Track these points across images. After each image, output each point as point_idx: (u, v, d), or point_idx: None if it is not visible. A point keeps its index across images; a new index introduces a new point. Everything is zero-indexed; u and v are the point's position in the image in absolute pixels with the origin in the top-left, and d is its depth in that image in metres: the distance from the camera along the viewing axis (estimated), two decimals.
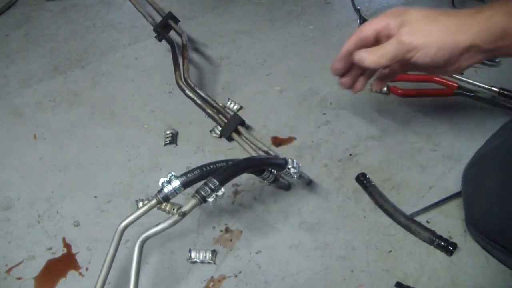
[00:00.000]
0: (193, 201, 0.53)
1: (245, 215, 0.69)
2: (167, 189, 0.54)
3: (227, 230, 0.68)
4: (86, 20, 1.13)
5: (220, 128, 0.80)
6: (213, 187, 0.53)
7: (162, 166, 0.77)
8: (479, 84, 0.83)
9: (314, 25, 1.05)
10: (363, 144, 0.77)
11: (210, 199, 0.53)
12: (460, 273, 0.60)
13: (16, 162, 0.80)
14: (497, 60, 0.88)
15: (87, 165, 0.79)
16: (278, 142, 0.80)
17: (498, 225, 0.57)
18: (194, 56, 0.99)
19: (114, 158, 0.79)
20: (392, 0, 1.10)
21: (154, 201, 0.55)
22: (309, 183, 0.72)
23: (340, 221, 0.67)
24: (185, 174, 0.55)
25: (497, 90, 0.81)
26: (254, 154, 0.76)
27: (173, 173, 0.55)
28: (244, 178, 0.73)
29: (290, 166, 0.63)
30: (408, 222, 0.64)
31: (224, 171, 0.55)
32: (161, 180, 0.55)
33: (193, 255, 0.64)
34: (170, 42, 0.94)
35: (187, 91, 0.84)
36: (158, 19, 1.01)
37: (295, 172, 0.64)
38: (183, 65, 0.88)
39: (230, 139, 0.80)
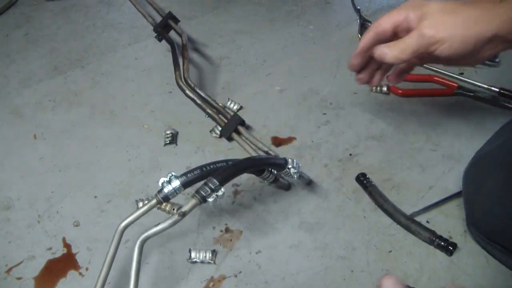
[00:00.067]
0: (193, 201, 0.53)
1: (245, 215, 0.69)
2: (167, 189, 0.54)
3: (227, 230, 0.68)
4: (86, 20, 1.13)
5: (220, 128, 0.80)
6: (213, 187, 0.53)
7: (162, 166, 0.77)
8: (479, 84, 0.83)
9: (314, 25, 1.05)
10: (363, 144, 0.77)
11: (210, 199, 0.53)
12: (460, 273, 0.60)
13: (16, 162, 0.80)
14: (497, 60, 0.88)
15: (87, 165, 0.79)
16: (278, 142, 0.80)
17: (499, 226, 0.57)
18: (194, 56, 0.99)
19: (114, 158, 0.79)
20: (392, 0, 1.10)
21: (154, 201, 0.55)
22: (309, 183, 0.72)
23: (340, 221, 0.67)
24: (185, 174, 0.55)
25: (497, 90, 0.81)
26: (254, 154, 0.76)
27: (173, 173, 0.55)
28: (244, 178, 0.73)
29: (290, 166, 0.63)
30: (408, 222, 0.64)
31: (224, 171, 0.55)
32: (161, 180, 0.55)
33: (193, 255, 0.64)
34: (170, 42, 0.94)
35: (187, 91, 0.84)
36: (158, 19, 1.01)
37: (295, 172, 0.64)
38: (183, 65, 0.88)
39: (230, 139, 0.80)
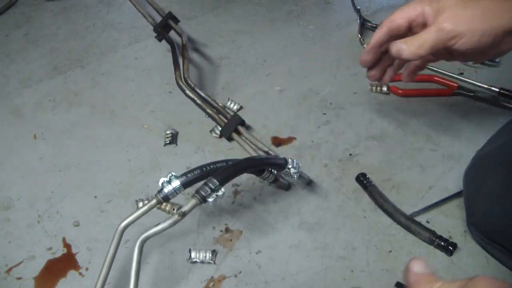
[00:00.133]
0: (193, 201, 0.53)
1: (245, 215, 0.69)
2: (167, 189, 0.54)
3: (227, 230, 0.68)
4: (86, 20, 1.13)
5: (220, 128, 0.80)
6: (213, 187, 0.53)
7: (162, 166, 0.77)
8: (479, 84, 0.83)
9: (314, 25, 1.05)
10: (363, 144, 0.77)
11: (210, 199, 0.53)
12: (460, 273, 0.60)
13: (16, 162, 0.80)
14: (497, 60, 0.88)
15: (87, 165, 0.79)
16: (278, 142, 0.80)
17: (499, 226, 0.57)
18: (194, 56, 0.99)
19: (114, 158, 0.79)
20: (392, 0, 1.10)
21: (154, 201, 0.55)
22: (309, 183, 0.72)
23: (340, 221, 0.67)
24: (185, 174, 0.55)
25: (497, 90, 0.81)
26: (254, 154, 0.76)
27: (173, 173, 0.55)
28: (244, 178, 0.73)
29: (290, 166, 0.63)
30: (408, 222, 0.64)
31: (224, 171, 0.55)
32: (161, 180, 0.55)
33: (193, 255, 0.64)
34: (170, 42, 0.94)
35: (187, 91, 0.84)
36: (158, 19, 1.01)
37: (295, 172, 0.64)
38: (183, 65, 0.88)
39: (230, 139, 0.80)
